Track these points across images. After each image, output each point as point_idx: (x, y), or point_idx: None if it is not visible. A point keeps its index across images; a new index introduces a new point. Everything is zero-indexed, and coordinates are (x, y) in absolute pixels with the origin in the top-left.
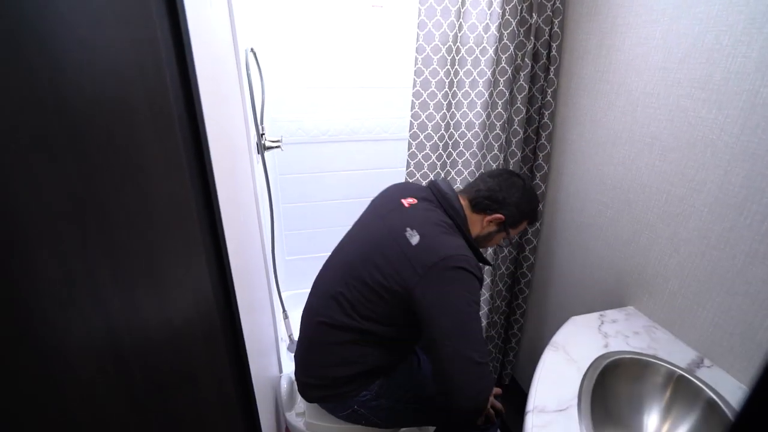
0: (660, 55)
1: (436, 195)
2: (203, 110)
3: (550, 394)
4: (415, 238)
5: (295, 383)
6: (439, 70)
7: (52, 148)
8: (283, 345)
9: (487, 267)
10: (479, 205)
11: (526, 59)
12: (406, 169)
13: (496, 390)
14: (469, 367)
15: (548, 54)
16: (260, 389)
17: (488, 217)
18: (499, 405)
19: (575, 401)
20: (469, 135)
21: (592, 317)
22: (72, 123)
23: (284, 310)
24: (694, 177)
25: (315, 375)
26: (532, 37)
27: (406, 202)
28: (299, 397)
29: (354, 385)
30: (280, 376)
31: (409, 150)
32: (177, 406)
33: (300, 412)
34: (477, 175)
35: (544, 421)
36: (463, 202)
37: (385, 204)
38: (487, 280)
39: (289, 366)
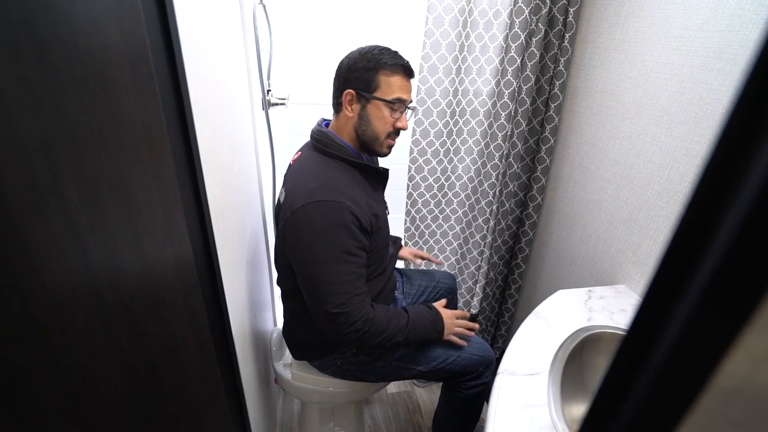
0: (679, 21)
1: (311, 137)
2: (181, 42)
3: (523, 359)
4: (282, 197)
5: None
6: (450, 31)
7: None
8: (280, 302)
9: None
10: (335, 104)
11: (540, 24)
12: (412, 137)
13: (462, 316)
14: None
15: (564, 20)
16: (245, 337)
17: (344, 103)
18: (470, 326)
19: (547, 368)
20: (476, 103)
21: (580, 292)
22: (35, 31)
23: None
24: (699, 153)
25: (293, 337)
26: (548, 1)
27: (293, 159)
28: (288, 350)
29: (331, 345)
30: (273, 329)
31: (415, 117)
32: (148, 332)
33: (287, 363)
34: (483, 144)
35: (513, 383)
36: (334, 117)
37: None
38: (486, 253)
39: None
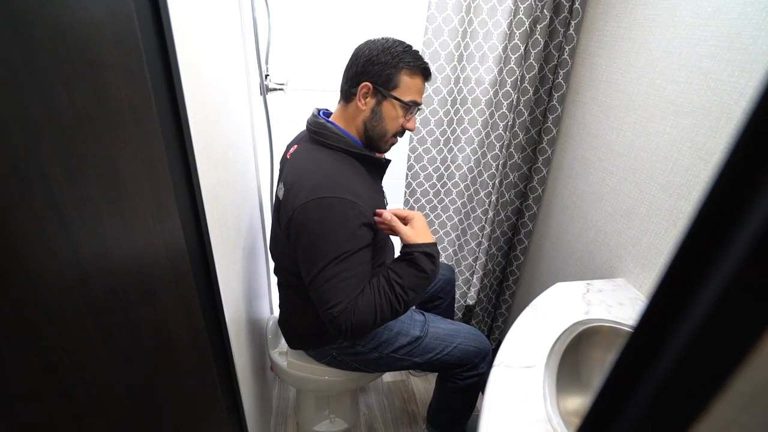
0: (689, 9)
1: (307, 129)
2: (171, 21)
3: (520, 352)
4: (281, 193)
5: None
6: (453, 17)
7: None
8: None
9: (485, 231)
10: (346, 92)
11: (545, 11)
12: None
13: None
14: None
15: (571, 7)
16: (240, 325)
17: (358, 95)
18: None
19: (543, 361)
20: (478, 91)
21: (579, 285)
22: (13, 3)
23: None
24: (704, 145)
25: (289, 327)
26: None
27: (289, 153)
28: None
29: (327, 335)
30: (269, 317)
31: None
32: (139, 321)
33: (283, 351)
34: (483, 134)
35: (509, 375)
36: (339, 106)
37: (282, 159)
38: (484, 244)
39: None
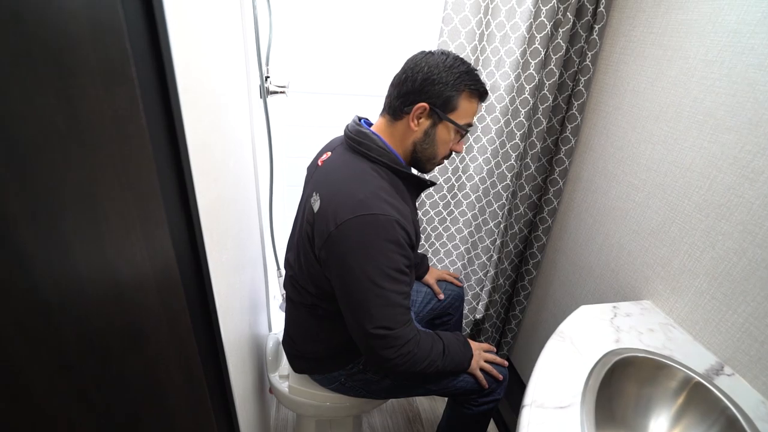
0: (733, 14)
1: (346, 136)
2: (166, 14)
3: (552, 389)
4: (316, 204)
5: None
6: (471, 18)
7: None
8: (275, 302)
9: (498, 242)
10: (396, 109)
11: (568, 14)
12: None
13: (490, 353)
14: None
15: (595, 9)
16: (240, 351)
17: (411, 115)
18: (498, 360)
19: (578, 399)
20: (492, 98)
21: (605, 308)
22: None
23: (279, 268)
24: (750, 163)
25: (295, 348)
26: None
27: (321, 159)
28: (285, 359)
29: (337, 360)
30: (268, 335)
31: None
32: (123, 372)
33: (284, 374)
34: (498, 143)
35: (542, 417)
36: (384, 120)
37: (311, 166)
38: (495, 257)
39: (279, 325)
